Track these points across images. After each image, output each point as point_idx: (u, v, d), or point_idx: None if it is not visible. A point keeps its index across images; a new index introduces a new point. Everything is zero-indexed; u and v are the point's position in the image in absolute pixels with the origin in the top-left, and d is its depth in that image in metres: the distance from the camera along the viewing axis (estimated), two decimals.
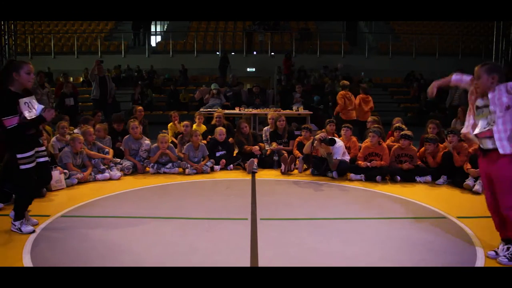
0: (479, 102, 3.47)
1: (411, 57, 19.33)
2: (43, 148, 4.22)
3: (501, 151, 3.27)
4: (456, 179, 6.09)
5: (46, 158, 4.27)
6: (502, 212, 3.37)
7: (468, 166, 5.99)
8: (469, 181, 5.86)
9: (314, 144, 6.62)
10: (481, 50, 19.05)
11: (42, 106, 4.08)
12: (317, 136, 6.60)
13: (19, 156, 3.90)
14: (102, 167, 6.46)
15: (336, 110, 9.84)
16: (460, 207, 5.04)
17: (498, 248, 3.51)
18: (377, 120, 7.86)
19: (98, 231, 4.09)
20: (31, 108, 3.95)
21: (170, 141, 7.30)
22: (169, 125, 9.04)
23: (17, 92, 3.90)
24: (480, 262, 3.41)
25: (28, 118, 3.89)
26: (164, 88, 17.57)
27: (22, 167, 3.92)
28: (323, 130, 7.13)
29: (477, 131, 3.46)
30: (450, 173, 6.23)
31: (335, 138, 6.60)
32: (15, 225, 4.03)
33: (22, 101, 3.89)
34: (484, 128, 3.38)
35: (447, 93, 8.99)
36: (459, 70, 7.36)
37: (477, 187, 5.75)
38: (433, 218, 4.53)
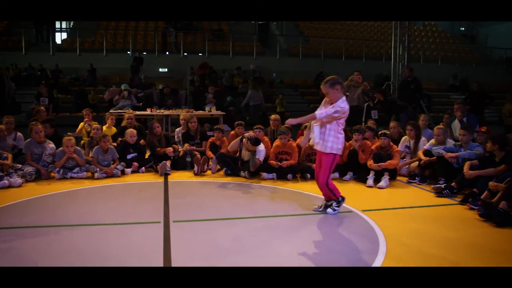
0: None
1: (319, 59, 20.26)
2: None
3: None
4: (361, 175, 6.54)
5: None
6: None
7: (371, 162, 6.45)
8: (370, 179, 6.30)
9: (243, 142, 6.73)
10: (382, 54, 20.47)
11: None
12: (246, 134, 6.72)
13: None
14: (0, 174, 5.99)
15: None
16: (365, 201, 5.41)
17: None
18: (279, 119, 7.98)
19: None
20: None
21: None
22: (80, 124, 8.57)
23: None
24: (382, 250, 3.68)
25: None
26: (71, 88, 16.70)
27: None
28: (256, 130, 6.98)
29: None
30: (356, 169, 6.68)
31: (260, 140, 6.70)
32: None
33: None
34: None
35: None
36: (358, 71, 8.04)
37: (381, 183, 6.20)
38: (340, 213, 4.82)
